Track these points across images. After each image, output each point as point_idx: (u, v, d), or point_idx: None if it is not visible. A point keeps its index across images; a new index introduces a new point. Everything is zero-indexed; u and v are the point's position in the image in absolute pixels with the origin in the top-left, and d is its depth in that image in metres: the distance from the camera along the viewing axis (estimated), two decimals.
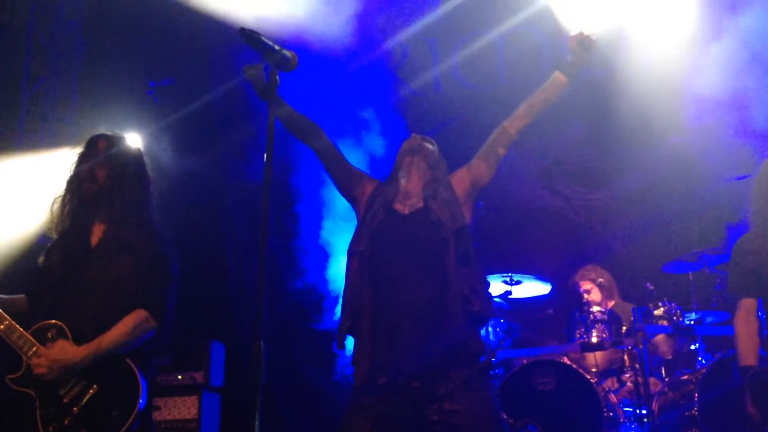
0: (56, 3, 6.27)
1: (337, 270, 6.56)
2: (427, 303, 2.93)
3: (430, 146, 3.32)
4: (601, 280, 5.78)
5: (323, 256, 6.72)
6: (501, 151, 3.25)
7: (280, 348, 6.57)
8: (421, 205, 3.12)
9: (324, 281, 6.73)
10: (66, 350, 2.94)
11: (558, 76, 3.25)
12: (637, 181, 6.74)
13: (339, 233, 6.50)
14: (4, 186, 5.54)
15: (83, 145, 3.28)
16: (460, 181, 3.25)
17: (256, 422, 2.23)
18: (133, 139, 6.37)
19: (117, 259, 3.09)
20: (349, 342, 3.10)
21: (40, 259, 3.19)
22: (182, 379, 5.28)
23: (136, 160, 3.32)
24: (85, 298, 3.05)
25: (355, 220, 3.27)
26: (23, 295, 3.20)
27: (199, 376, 5.31)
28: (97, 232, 3.18)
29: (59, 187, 3.26)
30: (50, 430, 2.89)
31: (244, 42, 2.60)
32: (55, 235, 3.22)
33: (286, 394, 6.38)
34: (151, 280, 3.09)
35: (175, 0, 5.78)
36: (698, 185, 6.30)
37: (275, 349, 6.48)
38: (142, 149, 3.44)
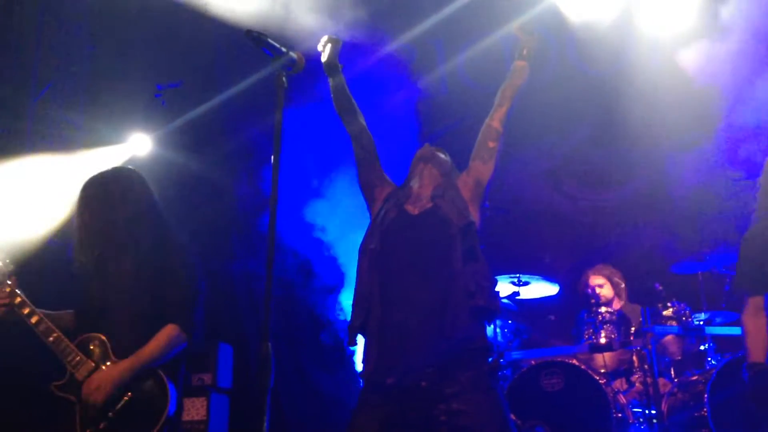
0: (64, 7, 6.29)
1: (347, 271, 6.57)
2: (434, 300, 2.95)
3: (442, 155, 3.40)
4: (615, 277, 5.76)
5: (333, 259, 6.73)
6: (491, 144, 3.33)
7: (287, 349, 6.58)
8: (430, 205, 3.17)
9: (333, 282, 6.74)
10: (107, 375, 3.18)
11: (517, 63, 3.45)
12: (644, 181, 6.72)
13: (347, 234, 6.50)
14: (12, 189, 5.56)
15: (81, 189, 3.46)
16: (464, 184, 3.30)
17: (264, 423, 2.24)
18: (142, 140, 6.43)
19: (144, 281, 3.32)
20: (360, 341, 3.11)
21: (86, 284, 3.40)
22: (190, 380, 5.30)
23: (134, 187, 3.47)
24: (122, 318, 3.30)
25: (367, 221, 3.30)
26: (71, 311, 3.46)
27: (207, 378, 5.33)
28: (122, 259, 3.38)
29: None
30: None
31: (251, 44, 2.60)
32: (81, 259, 3.43)
33: (294, 395, 6.38)
34: (179, 295, 3.32)
35: (181, 2, 5.79)
36: (706, 185, 6.27)
37: (283, 351, 6.51)
38: (137, 170, 3.57)
